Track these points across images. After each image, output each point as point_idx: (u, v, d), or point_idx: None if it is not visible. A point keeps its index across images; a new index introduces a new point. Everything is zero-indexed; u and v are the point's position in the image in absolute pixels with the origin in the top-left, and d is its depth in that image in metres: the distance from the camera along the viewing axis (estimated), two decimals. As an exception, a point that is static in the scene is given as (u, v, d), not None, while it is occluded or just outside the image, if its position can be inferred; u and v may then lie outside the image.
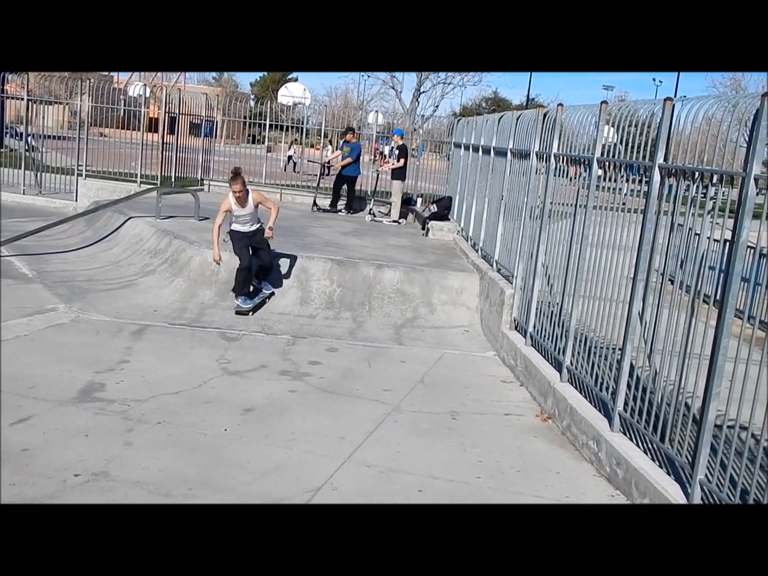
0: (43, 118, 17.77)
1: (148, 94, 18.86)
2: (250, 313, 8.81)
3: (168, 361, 7.00)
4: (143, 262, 10.37)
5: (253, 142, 25.71)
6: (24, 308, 8.12)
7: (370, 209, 15.12)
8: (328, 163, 17.05)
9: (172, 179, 16.72)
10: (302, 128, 21.27)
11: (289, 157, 26.21)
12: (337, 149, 17.56)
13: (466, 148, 13.18)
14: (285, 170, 22.48)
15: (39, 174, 16.86)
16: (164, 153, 16.62)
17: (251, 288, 8.90)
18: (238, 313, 8.77)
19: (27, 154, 16.93)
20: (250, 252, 8.70)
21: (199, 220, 12.04)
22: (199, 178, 17.75)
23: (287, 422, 5.77)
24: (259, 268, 8.89)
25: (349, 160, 15.39)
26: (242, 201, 8.51)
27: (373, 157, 21.64)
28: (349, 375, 7.09)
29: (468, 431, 5.93)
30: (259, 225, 8.76)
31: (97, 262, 10.68)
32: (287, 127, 21.92)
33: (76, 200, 16.02)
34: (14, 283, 9.29)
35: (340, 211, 15.70)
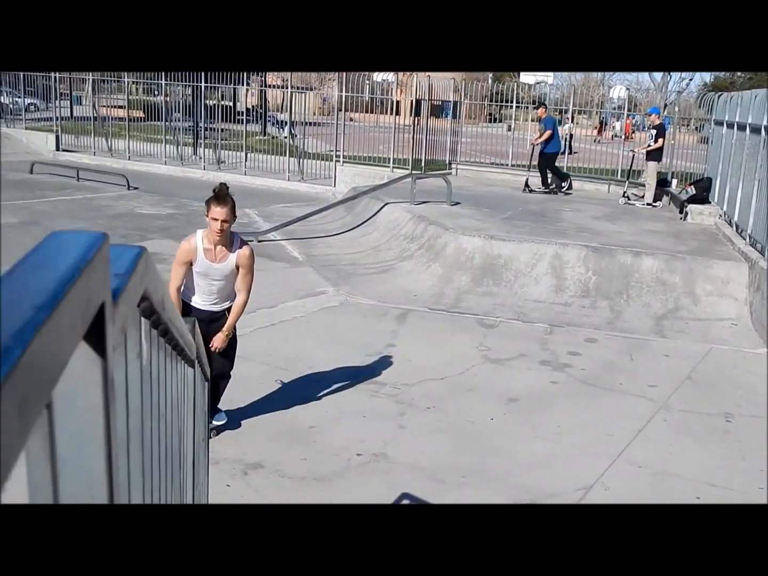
0: (301, 105, 18.95)
1: (392, 80, 19.44)
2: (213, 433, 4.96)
3: (431, 346, 7.27)
4: (401, 247, 10.80)
5: (491, 122, 25.58)
6: (298, 291, 8.82)
7: (624, 192, 14.54)
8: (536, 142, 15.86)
9: (422, 163, 17.17)
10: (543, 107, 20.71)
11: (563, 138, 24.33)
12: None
13: (730, 125, 12.21)
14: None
15: (300, 161, 18.11)
16: (415, 137, 17.08)
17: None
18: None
19: (288, 141, 18.22)
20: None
21: (451, 205, 12.30)
22: (447, 161, 18.08)
23: (552, 415, 5.76)
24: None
25: (548, 133, 14.83)
26: (219, 248, 4.79)
27: (625, 134, 20.73)
28: (611, 368, 6.92)
29: (745, 436, 5.55)
30: (229, 305, 5.06)
31: (358, 247, 11.31)
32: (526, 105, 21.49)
33: (335, 186, 17.00)
34: (288, 266, 10.11)
35: (554, 190, 15.17)
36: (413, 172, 15.17)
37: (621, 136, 22.65)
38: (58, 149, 20.75)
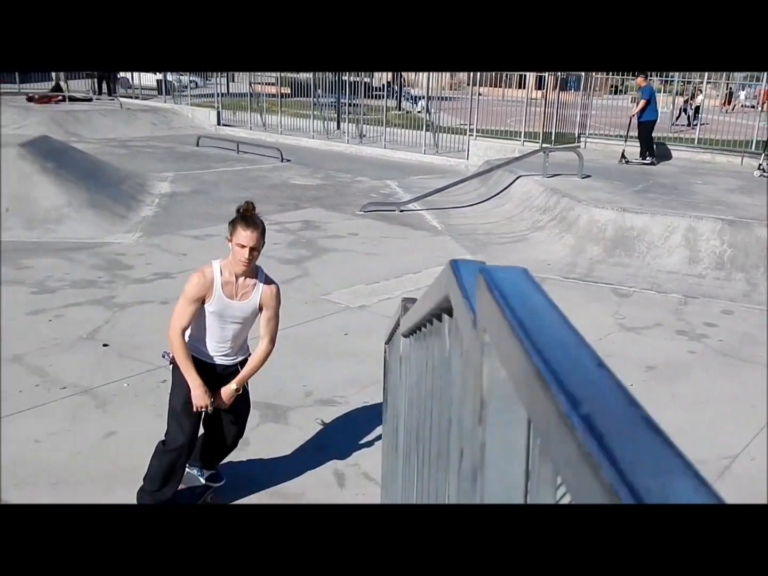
0: (433, 80, 18.78)
1: None
2: None
3: (567, 312, 7.07)
4: (533, 218, 10.59)
5: (615, 93, 24.38)
6: (439, 258, 8.82)
7: (759, 164, 13.57)
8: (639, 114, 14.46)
9: (552, 136, 16.68)
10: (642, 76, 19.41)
11: (684, 110, 22.22)
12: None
13: None
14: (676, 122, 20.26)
15: (435, 135, 18.00)
16: (545, 110, 16.59)
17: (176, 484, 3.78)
18: None
19: (424, 116, 18.12)
20: (202, 416, 3.76)
21: (582, 178, 11.89)
22: (576, 134, 17.47)
23: (691, 384, 5.54)
24: (210, 448, 3.96)
25: (643, 102, 13.85)
26: (242, 282, 3.59)
27: (760, 104, 19.22)
28: (749, 340, 6.55)
29: None
30: (243, 358, 3.86)
31: (492, 217, 11.17)
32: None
33: (468, 158, 16.81)
34: (428, 234, 10.13)
35: (653, 162, 14.27)
36: (544, 145, 14.77)
37: (750, 106, 21.09)
38: (218, 124, 21.57)
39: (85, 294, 6.87)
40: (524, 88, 18.04)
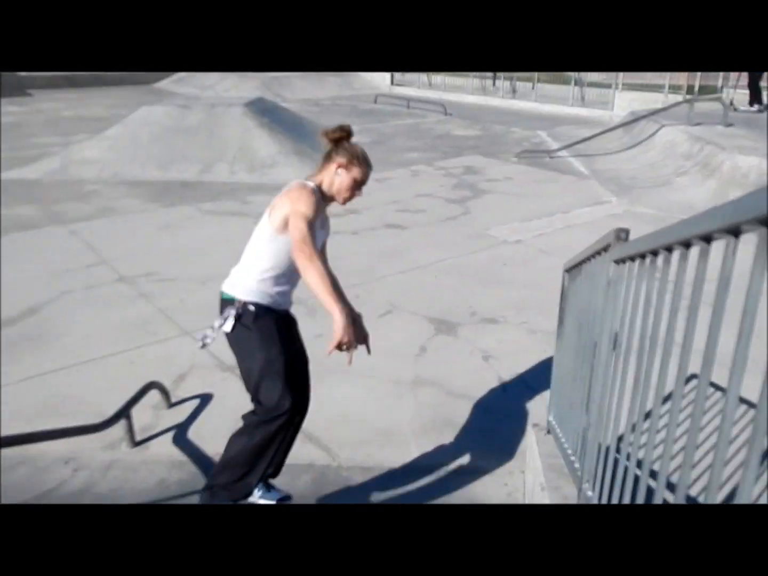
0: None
1: None
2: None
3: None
4: (676, 165, 9.70)
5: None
6: (587, 199, 8.37)
7: None
8: None
9: (695, 88, 15.05)
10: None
11: None
12: None
13: None
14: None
15: (581, 89, 16.84)
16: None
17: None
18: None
19: (570, 73, 16.91)
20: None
21: (725, 126, 10.67)
22: (720, 86, 15.63)
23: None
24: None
25: None
26: (324, 212, 2.58)
27: None
28: None
29: None
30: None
31: (636, 164, 10.36)
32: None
33: (612, 110, 15.62)
34: (576, 179, 9.60)
35: (761, 109, 12.27)
36: (687, 96, 13.37)
37: None
38: (392, 84, 21.43)
39: (293, 225, 7.21)
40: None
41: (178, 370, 4.13)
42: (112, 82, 21.00)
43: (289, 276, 2.48)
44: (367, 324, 2.87)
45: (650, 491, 1.21)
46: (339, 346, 2.17)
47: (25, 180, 9.06)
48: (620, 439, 1.63)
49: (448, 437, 3.51)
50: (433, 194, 8.58)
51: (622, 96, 15.73)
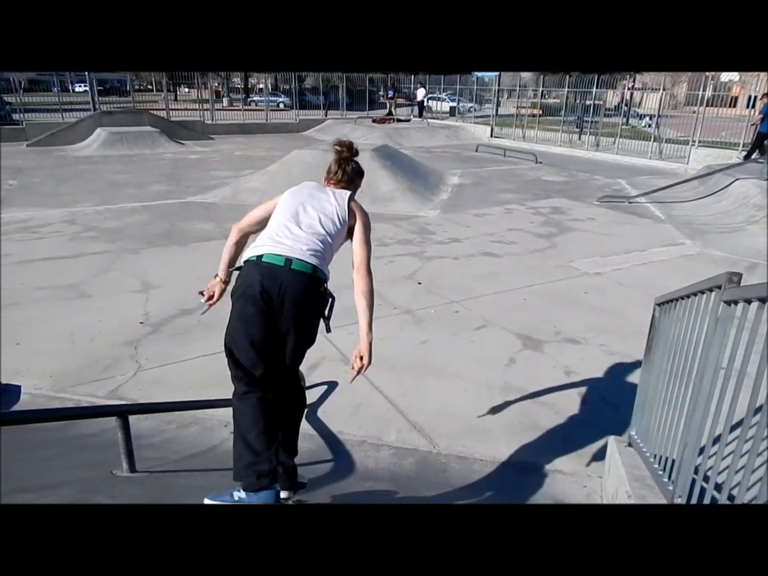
0: (654, 102, 16.29)
1: (736, 79, 15.59)
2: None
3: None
4: (748, 214, 8.80)
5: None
6: (662, 240, 7.78)
7: None
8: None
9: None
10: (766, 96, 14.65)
11: None
12: None
13: None
14: None
15: (659, 144, 15.76)
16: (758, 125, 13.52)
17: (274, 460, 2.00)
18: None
19: (653, 131, 15.92)
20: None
21: (799, 181, 9.56)
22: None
23: None
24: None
25: (759, 117, 11.72)
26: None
27: None
28: None
29: None
30: None
31: (710, 211, 9.51)
32: None
33: (688, 164, 14.48)
34: (652, 222, 8.96)
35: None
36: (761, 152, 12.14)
37: None
38: (491, 136, 21.13)
39: (406, 248, 7.24)
40: (735, 107, 14.89)
41: (312, 360, 4.23)
42: (271, 131, 22.25)
43: None
44: (465, 335, 2.78)
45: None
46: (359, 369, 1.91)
47: (206, 203, 9.76)
48: (713, 458, 1.46)
49: (532, 438, 3.34)
50: (524, 229, 8.31)
51: (697, 151, 14.55)
